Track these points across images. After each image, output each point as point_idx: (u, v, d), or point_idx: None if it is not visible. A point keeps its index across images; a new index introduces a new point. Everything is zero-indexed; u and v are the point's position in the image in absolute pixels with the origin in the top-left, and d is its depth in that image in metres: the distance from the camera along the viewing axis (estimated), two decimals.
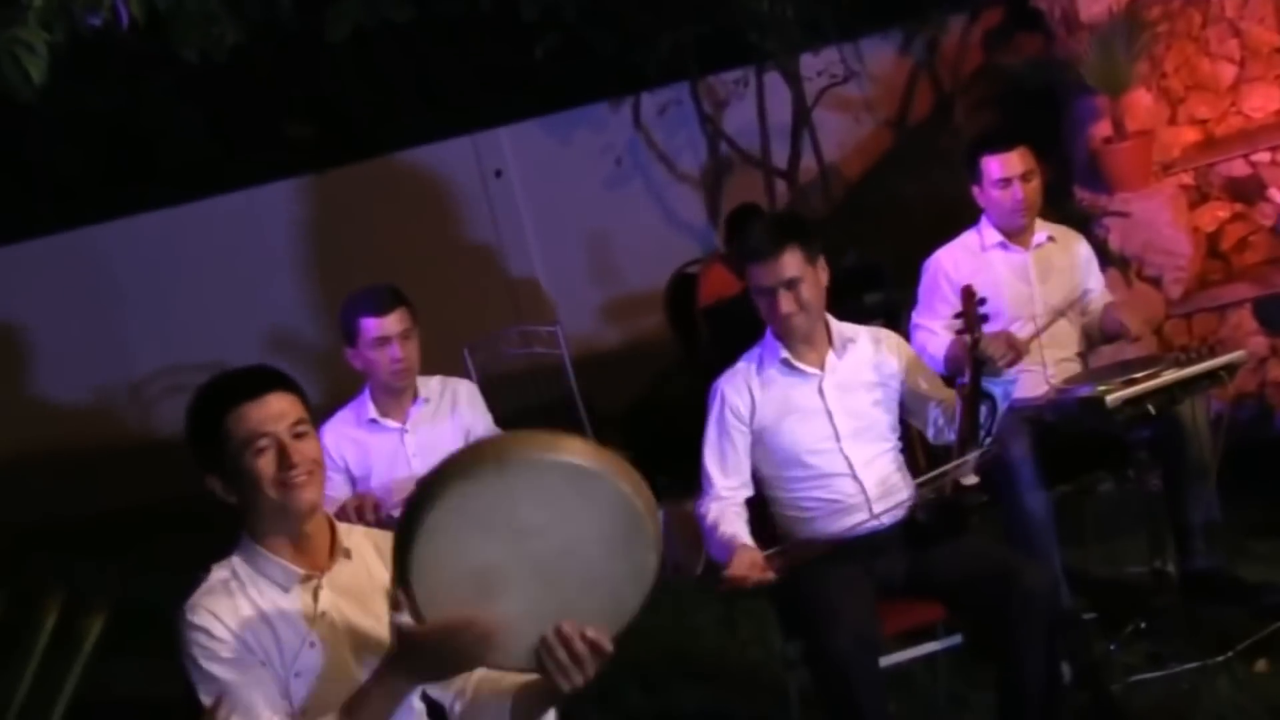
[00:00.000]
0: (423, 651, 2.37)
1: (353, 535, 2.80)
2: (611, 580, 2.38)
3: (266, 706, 2.54)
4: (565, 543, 2.33)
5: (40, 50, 3.49)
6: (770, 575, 3.68)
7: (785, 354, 3.94)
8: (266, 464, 2.59)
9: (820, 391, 3.94)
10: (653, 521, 2.35)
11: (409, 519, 2.31)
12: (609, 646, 2.37)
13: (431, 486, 2.31)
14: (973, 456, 3.78)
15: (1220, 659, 4.14)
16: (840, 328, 4.02)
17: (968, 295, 3.88)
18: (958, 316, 3.89)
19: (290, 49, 8.13)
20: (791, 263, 3.82)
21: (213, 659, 2.55)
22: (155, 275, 9.60)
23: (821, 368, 3.95)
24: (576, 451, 2.32)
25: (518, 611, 2.35)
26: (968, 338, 3.83)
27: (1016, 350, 4.45)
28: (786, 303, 3.82)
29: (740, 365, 4.02)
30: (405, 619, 2.35)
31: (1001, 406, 3.85)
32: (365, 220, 9.50)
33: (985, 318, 3.86)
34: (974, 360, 3.79)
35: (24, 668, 0.85)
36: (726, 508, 3.94)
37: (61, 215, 9.64)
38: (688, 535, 5.95)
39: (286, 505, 2.61)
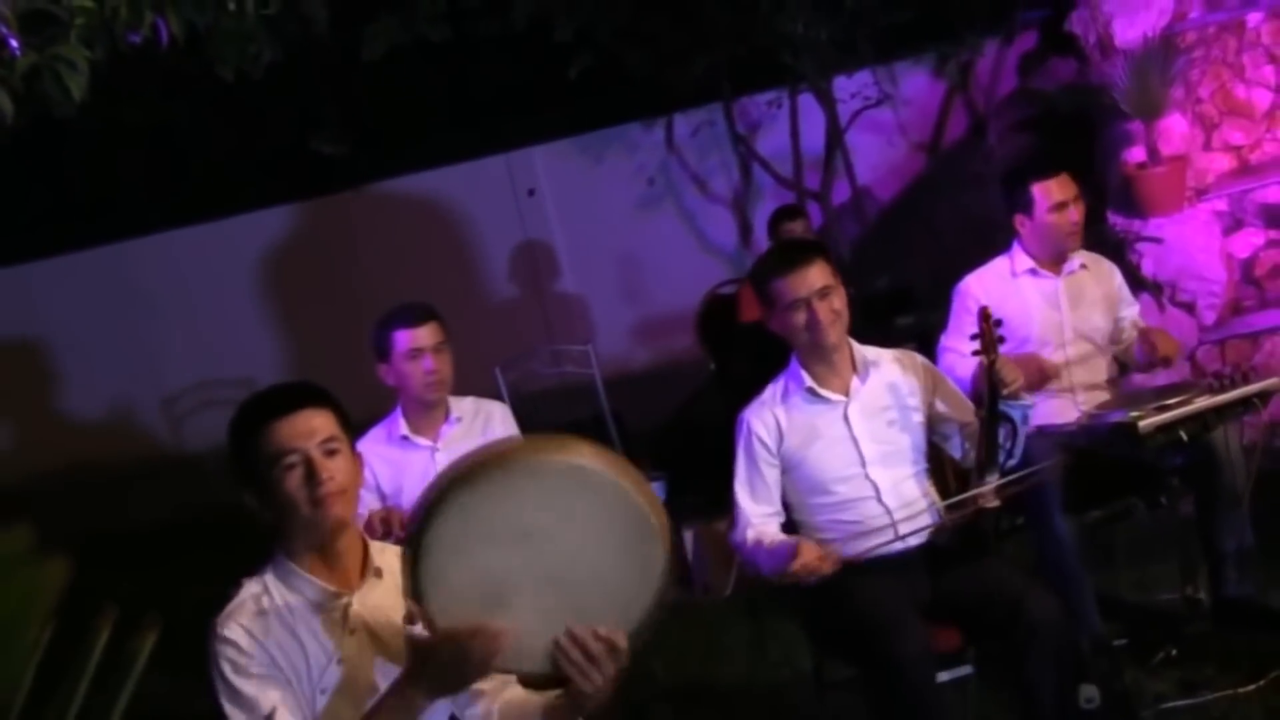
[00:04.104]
0: (436, 662, 2.39)
1: (385, 554, 2.80)
2: (620, 577, 2.40)
3: None
4: (570, 543, 2.35)
5: (81, 67, 3.53)
6: (836, 567, 3.71)
7: (810, 382, 3.94)
8: (295, 480, 2.61)
9: (845, 418, 3.93)
10: (656, 516, 2.37)
11: (415, 530, 2.34)
12: (623, 643, 2.40)
13: (435, 495, 2.33)
14: (993, 482, 3.78)
15: (1252, 687, 4.11)
16: (863, 351, 4.01)
17: (984, 317, 3.86)
18: (974, 338, 3.87)
19: (325, 66, 8.19)
20: (821, 272, 3.84)
21: (241, 674, 2.56)
22: (187, 291, 9.66)
23: (846, 394, 3.95)
24: (573, 451, 2.34)
25: (530, 615, 2.37)
26: (984, 359, 3.82)
27: (1045, 375, 4.45)
28: (824, 310, 3.83)
29: (765, 396, 4.02)
30: (419, 631, 2.37)
31: (1022, 430, 3.84)
32: (398, 238, 9.55)
33: (1002, 339, 3.85)
34: (990, 382, 3.79)
35: (76, 687, 0.85)
36: (764, 530, 3.94)
37: (96, 230, 9.71)
38: (717, 555, 5.97)
39: (315, 521, 2.63)
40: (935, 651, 3.76)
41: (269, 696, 2.56)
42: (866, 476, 3.91)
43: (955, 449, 4.04)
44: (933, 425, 4.04)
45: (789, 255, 3.96)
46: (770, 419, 3.97)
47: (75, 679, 0.85)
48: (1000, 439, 3.79)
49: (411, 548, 2.34)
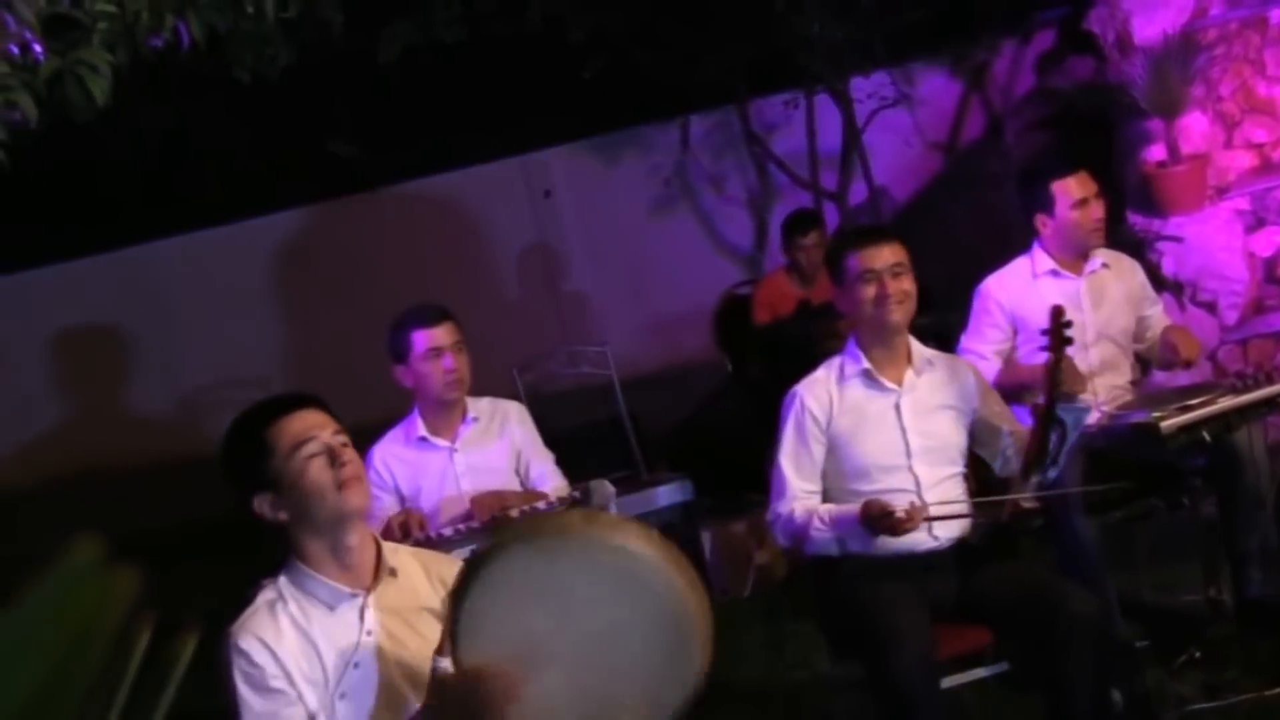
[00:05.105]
0: (456, 701, 2.37)
1: (399, 554, 2.81)
2: (655, 674, 2.37)
3: None
4: (611, 626, 2.34)
5: (104, 71, 3.55)
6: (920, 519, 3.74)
7: (867, 364, 3.95)
8: (318, 466, 2.63)
9: (896, 408, 3.93)
10: (704, 623, 2.35)
11: (467, 573, 2.34)
12: None
13: (492, 546, 2.34)
14: (1035, 483, 3.78)
15: (1277, 690, 4.08)
16: (921, 348, 4.04)
17: (1056, 315, 3.91)
18: (1044, 333, 3.90)
19: (340, 68, 8.19)
20: (895, 252, 3.90)
21: (256, 688, 2.57)
22: (203, 293, 9.67)
23: (900, 384, 3.95)
24: (633, 538, 2.33)
25: (558, 688, 2.36)
26: (1050, 356, 3.84)
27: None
28: (895, 286, 3.84)
29: (819, 374, 4.02)
30: (446, 665, 2.36)
31: (1071, 436, 3.84)
32: (413, 240, 9.54)
33: (1070, 340, 3.88)
34: (1051, 381, 3.79)
35: (116, 691, 0.84)
36: (811, 504, 3.93)
37: (115, 232, 9.73)
38: (734, 557, 5.96)
39: (339, 508, 2.64)
40: (942, 659, 3.77)
41: (285, 712, 2.56)
42: (910, 469, 3.91)
43: (997, 456, 4.04)
44: (977, 433, 4.03)
45: (867, 231, 4.13)
46: (824, 395, 3.96)
47: (115, 683, 0.84)
48: (1050, 443, 3.79)
49: (458, 587, 2.35)
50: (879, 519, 3.69)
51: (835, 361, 4.02)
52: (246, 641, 2.59)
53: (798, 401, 3.99)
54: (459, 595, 2.33)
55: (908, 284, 3.89)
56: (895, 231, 4.22)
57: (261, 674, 2.57)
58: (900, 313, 3.89)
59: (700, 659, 2.36)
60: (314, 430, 2.65)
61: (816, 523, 3.85)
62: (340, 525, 2.66)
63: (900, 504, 3.78)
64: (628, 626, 2.33)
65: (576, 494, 4.31)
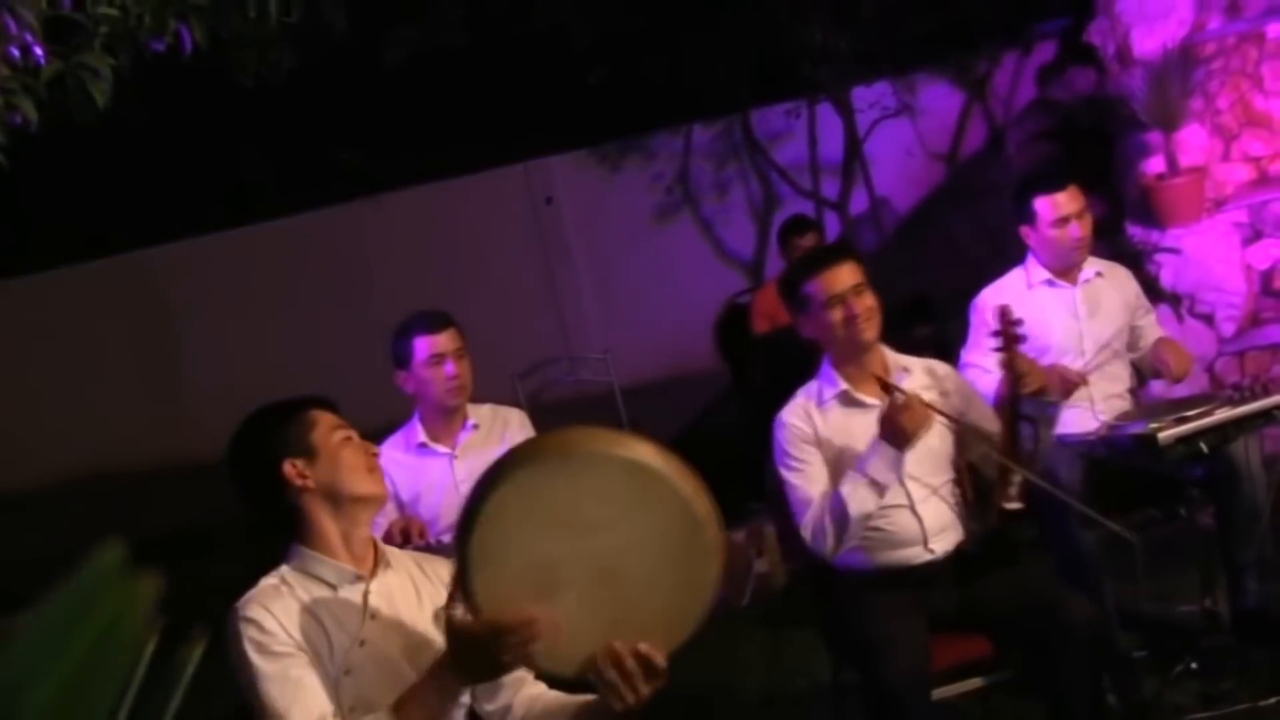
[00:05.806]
0: (476, 647, 2.37)
1: (393, 553, 2.87)
2: (670, 587, 2.33)
3: (319, 701, 2.56)
4: (624, 542, 2.29)
5: (105, 75, 3.55)
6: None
7: (844, 385, 3.93)
8: (353, 448, 2.74)
9: (880, 424, 3.91)
10: (713, 529, 2.30)
11: (471, 507, 2.30)
12: (662, 662, 2.35)
13: (494, 476, 2.29)
14: (1017, 483, 3.80)
15: (1273, 700, 4.09)
16: (894, 357, 4.01)
17: (1003, 314, 3.96)
18: (995, 334, 3.94)
19: (344, 74, 8.21)
20: (853, 271, 3.88)
21: (266, 653, 2.58)
22: (209, 298, 9.69)
23: (879, 399, 3.94)
24: (638, 450, 2.29)
25: (576, 612, 2.32)
26: (1003, 355, 3.90)
27: (1069, 385, 4.47)
28: (861, 305, 3.83)
29: (798, 400, 3.99)
30: (459, 613, 2.36)
31: (1046, 433, 3.85)
32: (416, 246, 9.56)
33: (1021, 338, 3.92)
34: (1009, 378, 3.83)
35: (122, 698, 0.85)
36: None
37: (119, 238, 9.75)
38: (734, 566, 5.96)
39: (369, 488, 2.74)
40: (942, 668, 3.76)
41: (296, 671, 2.57)
42: (901, 484, 3.89)
43: (985, 462, 4.04)
44: (963, 438, 4.01)
45: (819, 256, 4.05)
46: (806, 417, 3.94)
47: (122, 690, 0.85)
48: (1022, 439, 3.80)
49: (464, 523, 2.31)
50: (898, 419, 3.66)
51: (812, 386, 3.99)
52: (255, 611, 2.62)
53: (783, 426, 3.96)
54: (465, 532, 2.29)
55: (870, 300, 3.87)
56: (850, 248, 4.23)
57: (271, 639, 2.59)
58: (871, 330, 3.87)
59: (715, 566, 2.32)
60: (343, 424, 2.79)
61: (846, 487, 3.77)
62: (359, 508, 2.74)
63: (896, 499, 3.83)
64: (640, 541, 2.29)
65: None
